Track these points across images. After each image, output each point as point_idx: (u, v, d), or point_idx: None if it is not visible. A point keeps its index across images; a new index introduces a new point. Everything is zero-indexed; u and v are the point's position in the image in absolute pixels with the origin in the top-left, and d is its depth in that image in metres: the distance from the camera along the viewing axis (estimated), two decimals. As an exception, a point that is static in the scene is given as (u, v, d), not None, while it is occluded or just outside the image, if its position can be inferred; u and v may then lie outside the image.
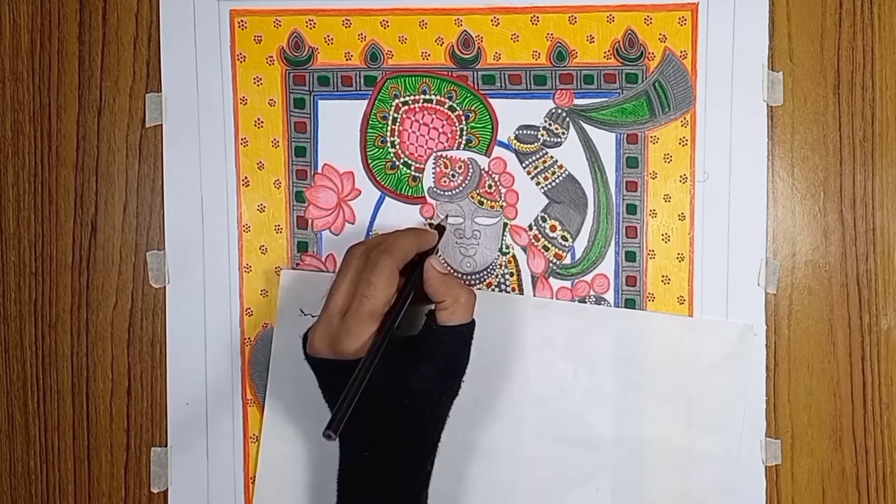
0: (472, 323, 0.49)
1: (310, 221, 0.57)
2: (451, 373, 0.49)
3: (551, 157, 0.56)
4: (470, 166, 0.56)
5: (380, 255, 0.47)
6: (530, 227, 0.56)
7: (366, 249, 0.48)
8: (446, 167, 0.56)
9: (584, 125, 0.56)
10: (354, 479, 0.48)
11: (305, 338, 0.49)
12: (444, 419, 0.49)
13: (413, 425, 0.47)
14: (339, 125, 0.57)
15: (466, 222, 0.56)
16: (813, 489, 0.56)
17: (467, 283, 0.56)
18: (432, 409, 0.48)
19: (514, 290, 0.56)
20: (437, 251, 0.54)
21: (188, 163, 0.57)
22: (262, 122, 0.57)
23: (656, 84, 0.56)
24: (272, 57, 0.56)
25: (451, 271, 0.56)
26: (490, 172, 0.56)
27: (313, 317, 0.55)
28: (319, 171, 0.57)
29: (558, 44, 0.56)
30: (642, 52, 0.56)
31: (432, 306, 0.50)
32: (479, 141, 0.56)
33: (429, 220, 0.56)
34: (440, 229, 0.55)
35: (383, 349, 0.45)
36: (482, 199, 0.56)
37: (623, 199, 0.56)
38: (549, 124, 0.56)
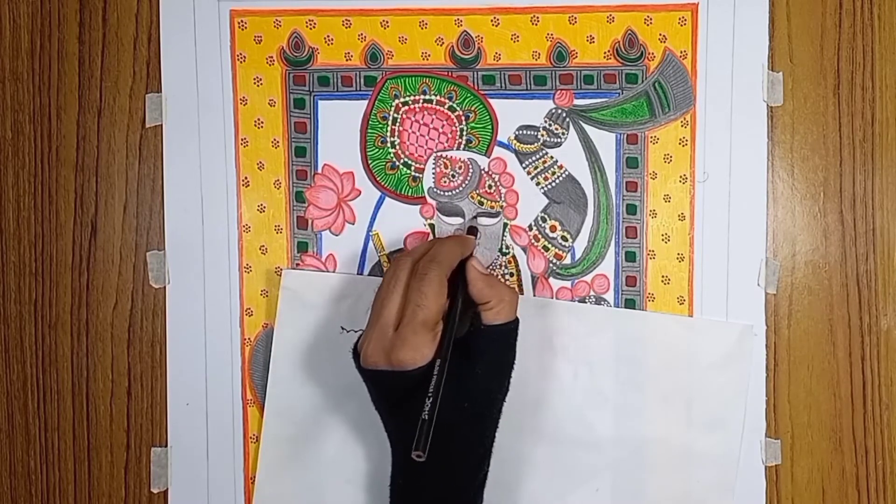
0: (517, 320, 0.50)
1: (310, 221, 0.57)
2: (502, 370, 0.49)
3: (551, 158, 0.56)
4: (470, 166, 0.56)
5: (428, 265, 0.47)
6: (530, 228, 0.56)
7: (412, 260, 0.49)
8: (446, 167, 0.56)
9: (584, 125, 0.56)
10: (412, 486, 0.47)
11: (355, 351, 0.49)
12: (498, 417, 0.49)
13: (473, 427, 0.48)
14: (339, 125, 0.57)
15: (466, 222, 0.56)
16: (813, 489, 0.56)
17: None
18: (489, 409, 0.49)
19: (514, 290, 0.56)
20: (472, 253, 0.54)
21: (188, 163, 0.57)
22: (262, 123, 0.57)
23: (656, 84, 0.56)
24: (272, 57, 0.56)
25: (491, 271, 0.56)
26: (490, 173, 0.56)
27: (355, 332, 0.55)
28: (319, 171, 0.57)
29: (558, 44, 0.56)
30: (642, 53, 0.56)
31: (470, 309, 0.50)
32: (479, 141, 0.56)
33: (429, 221, 0.56)
34: (474, 231, 0.55)
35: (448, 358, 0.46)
36: (482, 199, 0.56)
37: (623, 200, 0.56)
38: (549, 124, 0.56)
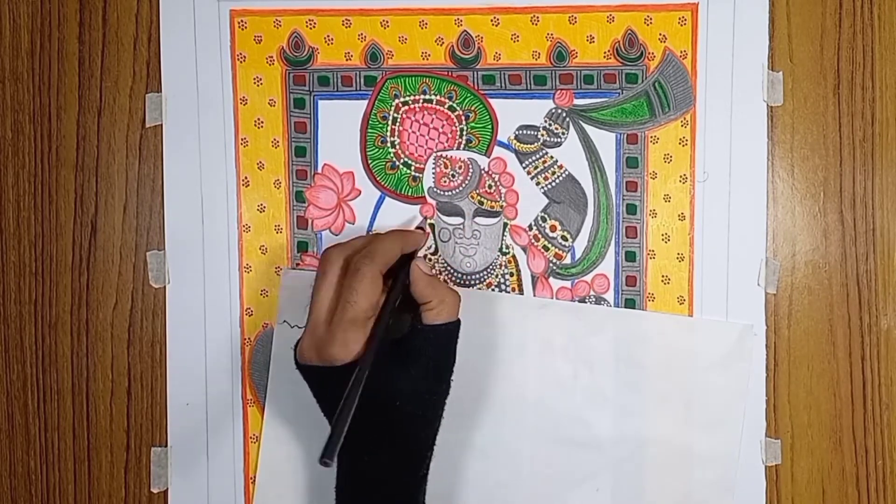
0: (458, 322, 0.49)
1: (310, 221, 0.57)
2: (438, 371, 0.49)
3: (551, 157, 0.56)
4: (470, 166, 0.56)
5: (361, 261, 0.47)
6: (530, 227, 0.56)
7: (344, 254, 0.48)
8: (446, 167, 0.56)
9: (584, 125, 0.56)
10: (353, 486, 0.48)
11: (297, 347, 0.49)
12: (438, 420, 0.49)
13: (407, 427, 0.47)
14: (339, 125, 0.57)
15: (466, 222, 0.56)
16: (813, 489, 0.56)
17: (467, 283, 0.56)
18: (424, 410, 0.48)
19: (514, 290, 0.56)
20: (425, 252, 0.54)
21: (188, 163, 0.57)
22: (262, 122, 0.57)
23: (656, 84, 0.56)
24: (272, 57, 0.56)
25: (438, 272, 0.56)
26: (490, 172, 0.56)
27: (300, 328, 0.55)
28: (319, 171, 0.57)
29: (558, 44, 0.56)
30: (642, 52, 0.56)
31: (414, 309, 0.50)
32: (479, 141, 0.56)
33: (429, 221, 0.56)
34: (422, 228, 0.55)
35: (373, 357, 0.45)
36: (482, 199, 0.56)
37: (623, 199, 0.56)
38: (549, 124, 0.56)
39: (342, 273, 0.47)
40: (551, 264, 0.56)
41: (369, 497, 0.47)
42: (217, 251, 0.57)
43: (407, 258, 0.50)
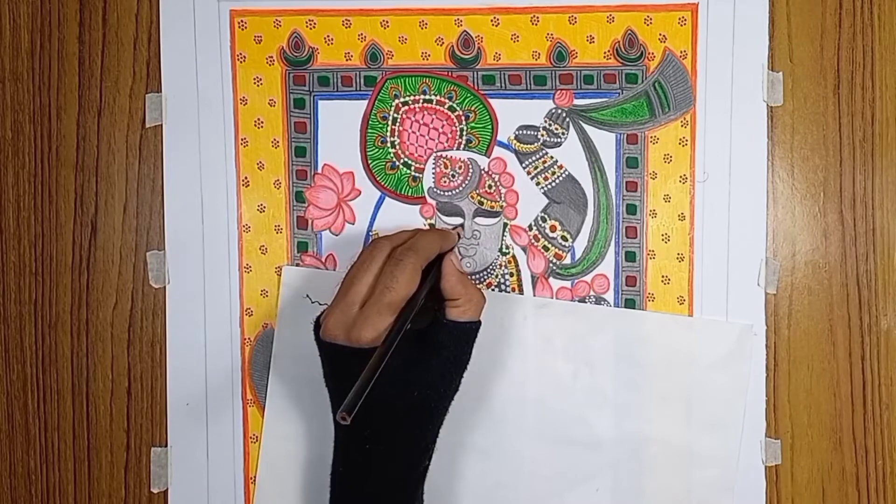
0: (479, 323, 0.50)
1: (310, 221, 0.57)
2: (457, 368, 0.49)
3: (551, 158, 0.56)
4: (470, 166, 0.56)
5: (405, 252, 0.48)
6: (530, 228, 0.56)
7: (391, 245, 0.49)
8: (446, 167, 0.56)
9: (584, 125, 0.56)
10: (352, 473, 0.48)
11: (317, 323, 0.49)
12: (444, 415, 0.49)
13: (418, 418, 0.48)
14: (339, 125, 0.57)
15: (466, 222, 0.56)
16: (813, 489, 0.56)
17: (467, 283, 0.56)
18: (436, 403, 0.49)
19: (514, 290, 0.56)
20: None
21: (188, 163, 0.57)
22: (262, 122, 0.57)
23: (656, 84, 0.56)
24: (272, 57, 0.56)
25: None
26: (490, 172, 0.56)
27: (321, 304, 0.56)
28: (319, 171, 0.57)
29: (558, 44, 0.56)
30: (642, 53, 0.56)
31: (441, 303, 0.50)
32: (479, 141, 0.56)
33: (429, 221, 0.56)
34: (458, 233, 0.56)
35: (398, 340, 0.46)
36: (482, 199, 0.56)
37: (623, 200, 0.56)
38: (549, 124, 0.56)
39: (385, 262, 0.48)
40: (551, 264, 0.56)
41: (366, 484, 0.47)
42: (217, 251, 0.57)
43: (439, 257, 0.51)
